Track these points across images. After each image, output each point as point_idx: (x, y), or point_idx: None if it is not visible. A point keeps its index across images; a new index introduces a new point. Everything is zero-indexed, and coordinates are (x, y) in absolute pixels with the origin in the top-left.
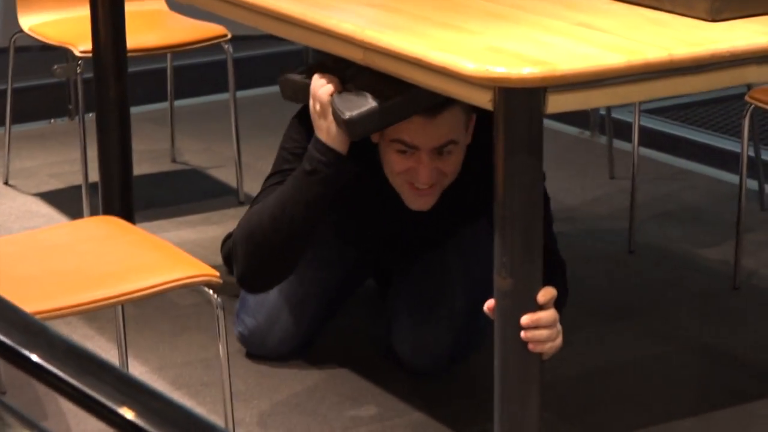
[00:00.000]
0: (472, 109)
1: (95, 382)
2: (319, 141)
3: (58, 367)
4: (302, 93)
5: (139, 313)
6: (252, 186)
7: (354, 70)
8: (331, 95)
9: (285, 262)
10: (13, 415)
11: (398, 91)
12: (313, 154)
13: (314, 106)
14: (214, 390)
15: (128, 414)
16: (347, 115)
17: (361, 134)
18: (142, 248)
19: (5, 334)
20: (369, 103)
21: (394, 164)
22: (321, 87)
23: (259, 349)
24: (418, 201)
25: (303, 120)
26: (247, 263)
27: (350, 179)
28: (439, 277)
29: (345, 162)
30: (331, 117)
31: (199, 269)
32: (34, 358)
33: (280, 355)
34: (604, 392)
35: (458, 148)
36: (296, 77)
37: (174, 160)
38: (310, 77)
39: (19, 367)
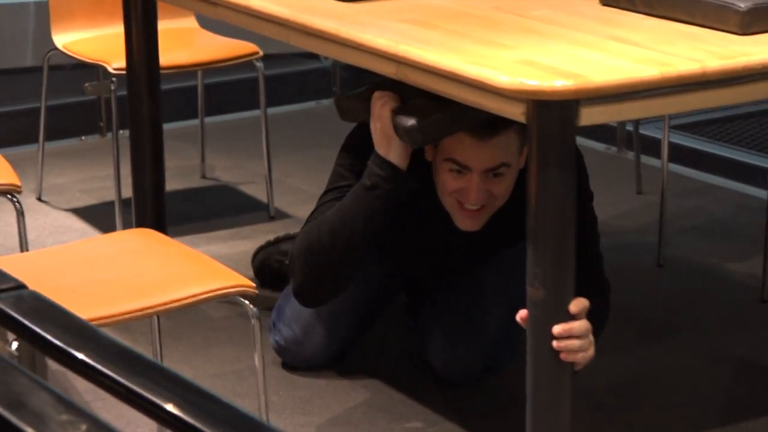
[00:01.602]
0: (522, 134)
1: (151, 384)
2: (378, 156)
3: (108, 368)
4: (361, 112)
5: (172, 325)
6: (282, 201)
7: (411, 88)
8: (392, 111)
9: (342, 276)
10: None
11: (457, 103)
12: (373, 170)
13: (375, 124)
14: (247, 401)
15: (179, 413)
16: (409, 123)
17: (423, 142)
18: (179, 260)
19: (58, 338)
20: (431, 112)
21: (446, 183)
22: (382, 104)
23: (294, 359)
24: (467, 222)
25: (359, 138)
26: (305, 276)
27: (408, 195)
28: (475, 293)
29: (404, 178)
30: (391, 133)
31: (235, 280)
32: (85, 358)
33: (314, 365)
34: (635, 402)
35: (510, 171)
36: (355, 97)
37: (204, 176)
38: (368, 97)
39: (70, 368)
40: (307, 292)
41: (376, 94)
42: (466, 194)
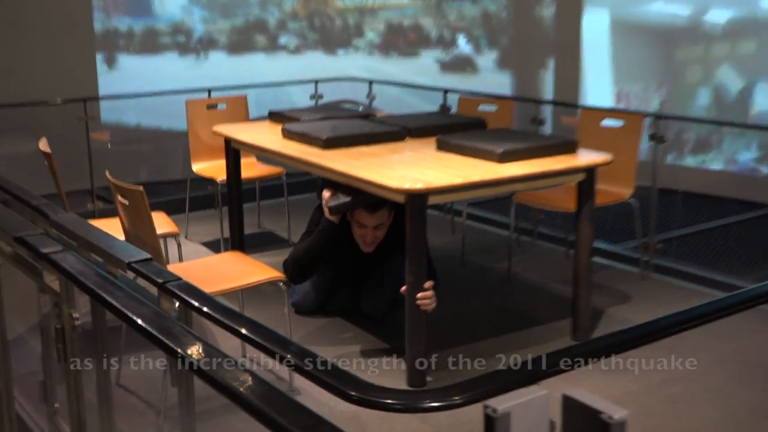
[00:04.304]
0: (392, 208)
1: (236, 321)
2: (325, 217)
3: (218, 314)
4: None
5: (247, 294)
6: (295, 239)
7: (344, 186)
8: (327, 198)
9: (310, 270)
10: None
11: (357, 195)
12: (324, 222)
13: (323, 202)
14: (281, 329)
15: (247, 332)
16: (330, 204)
17: (338, 214)
18: (250, 265)
19: (196, 302)
20: (341, 200)
21: (356, 232)
22: (324, 193)
23: (300, 309)
24: (367, 248)
25: (320, 207)
26: (293, 271)
27: (339, 236)
28: (379, 277)
29: (337, 227)
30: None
31: (277, 275)
32: (208, 311)
33: (309, 312)
34: (453, 327)
35: (385, 226)
36: (320, 188)
37: (259, 227)
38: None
39: (203, 316)
40: (294, 278)
41: (324, 190)
42: (365, 237)
